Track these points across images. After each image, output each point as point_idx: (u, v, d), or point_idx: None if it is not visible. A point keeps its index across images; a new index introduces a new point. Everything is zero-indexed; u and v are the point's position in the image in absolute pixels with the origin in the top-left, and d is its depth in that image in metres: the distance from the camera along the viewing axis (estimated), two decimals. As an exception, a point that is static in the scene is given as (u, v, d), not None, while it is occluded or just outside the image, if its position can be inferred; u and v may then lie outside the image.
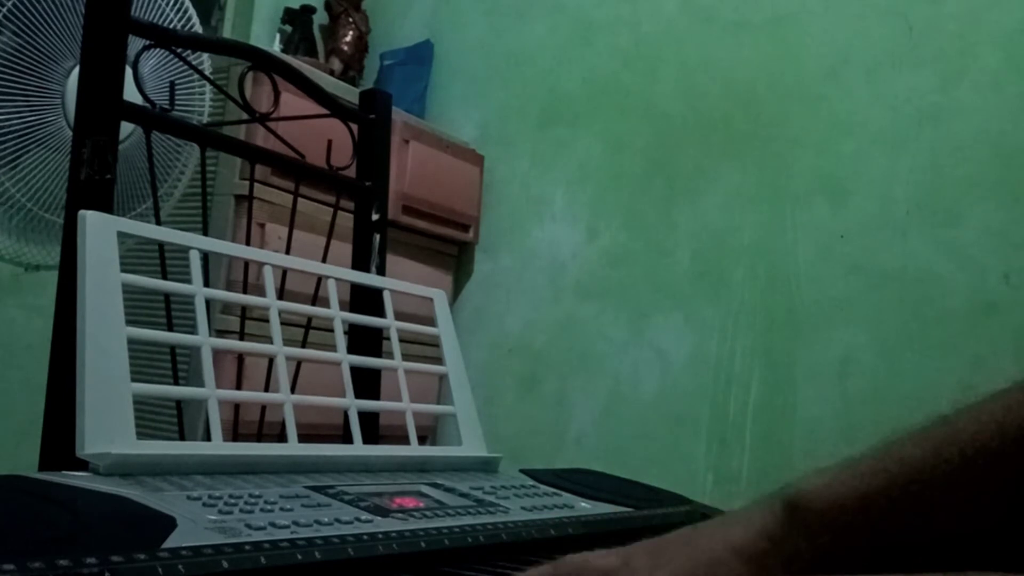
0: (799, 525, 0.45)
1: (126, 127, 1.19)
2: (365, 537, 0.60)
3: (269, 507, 0.62)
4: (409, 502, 0.71)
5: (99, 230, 0.75)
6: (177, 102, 1.12)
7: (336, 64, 2.47)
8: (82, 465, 0.65)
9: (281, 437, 0.83)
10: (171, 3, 1.42)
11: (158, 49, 1.10)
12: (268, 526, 0.57)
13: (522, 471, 0.95)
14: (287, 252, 1.11)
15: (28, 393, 1.11)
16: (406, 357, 0.97)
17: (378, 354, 1.09)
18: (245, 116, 1.10)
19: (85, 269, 0.72)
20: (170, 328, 0.92)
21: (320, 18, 2.53)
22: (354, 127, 1.19)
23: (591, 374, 2.24)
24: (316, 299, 1.02)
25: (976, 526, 0.43)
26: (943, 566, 0.43)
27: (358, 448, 0.86)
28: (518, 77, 2.47)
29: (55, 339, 0.81)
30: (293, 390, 0.89)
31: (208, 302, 0.81)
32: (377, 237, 1.17)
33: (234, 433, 1.04)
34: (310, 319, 1.11)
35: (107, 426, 0.67)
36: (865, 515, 0.44)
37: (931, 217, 1.90)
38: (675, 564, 0.48)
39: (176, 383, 1.00)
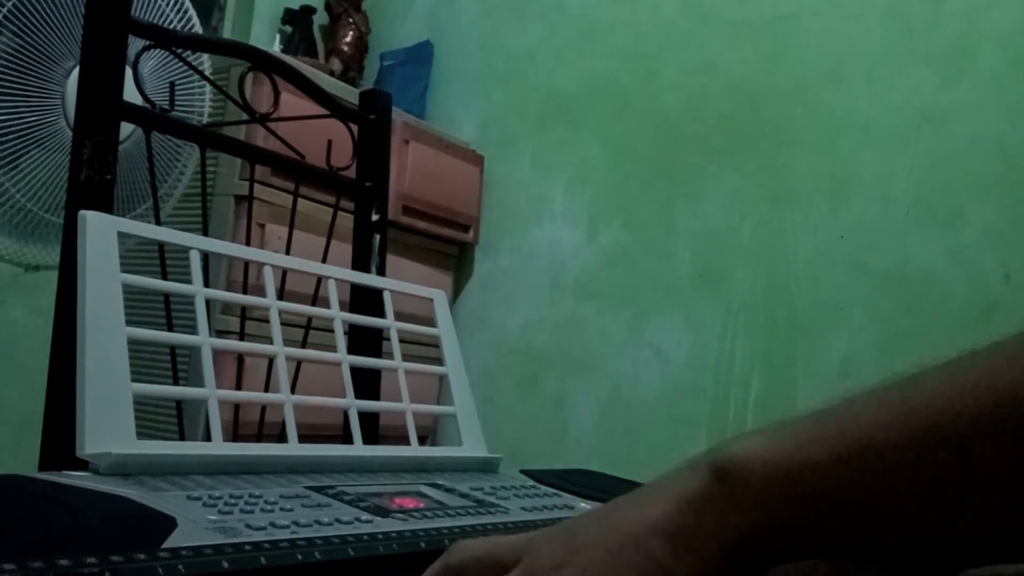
0: (729, 493, 0.38)
1: (126, 127, 1.18)
2: (365, 537, 0.60)
3: (269, 507, 0.62)
4: (409, 502, 0.71)
5: (99, 230, 0.75)
6: (177, 102, 1.12)
7: (336, 64, 2.47)
8: (82, 465, 0.65)
9: (281, 437, 0.83)
10: (171, 3, 1.43)
11: (158, 49, 1.10)
12: (268, 526, 0.57)
13: (522, 471, 0.95)
14: (287, 252, 1.11)
15: (28, 393, 1.11)
16: (406, 357, 0.97)
17: (378, 354, 1.09)
18: (245, 116, 1.10)
19: (85, 269, 0.72)
20: (170, 328, 0.92)
21: (320, 18, 2.53)
22: (354, 127, 1.19)
23: (591, 374, 2.24)
24: (316, 299, 1.02)
25: (948, 501, 0.35)
26: (901, 545, 0.37)
27: (358, 448, 0.86)
28: (518, 77, 2.47)
29: (55, 339, 0.81)
30: (293, 390, 0.89)
31: (208, 302, 0.81)
32: (377, 237, 1.17)
33: (234, 433, 1.04)
34: (310, 319, 1.11)
35: (107, 426, 0.67)
36: (811, 484, 0.37)
37: (931, 217, 1.90)
38: (585, 552, 0.41)
39: (176, 383, 1.00)
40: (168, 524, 0.54)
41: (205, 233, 0.99)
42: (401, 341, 0.98)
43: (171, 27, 1.40)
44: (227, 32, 2.40)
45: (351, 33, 2.51)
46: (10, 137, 1.32)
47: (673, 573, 0.39)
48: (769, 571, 0.39)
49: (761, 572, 0.39)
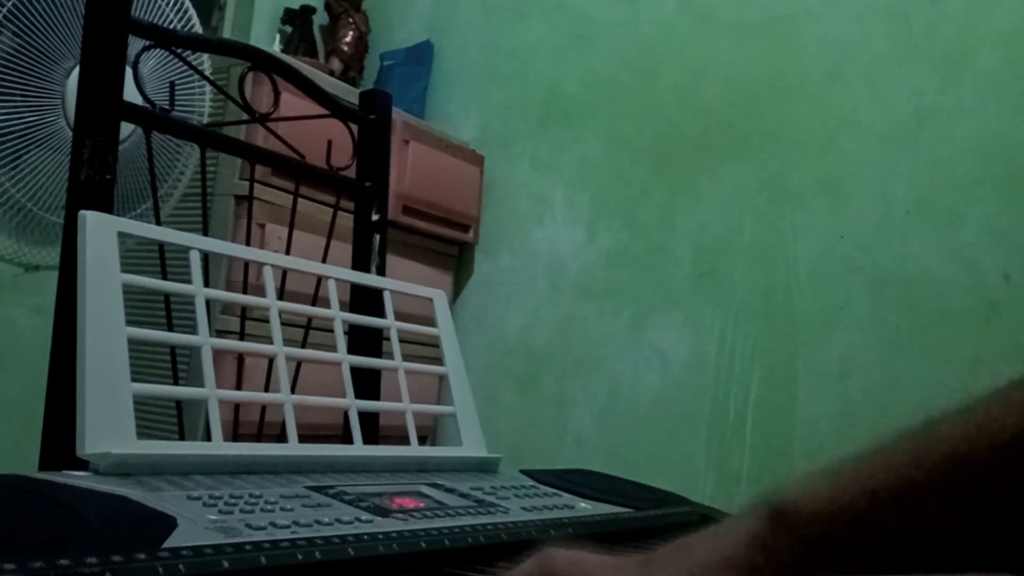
0: (788, 533, 0.46)
1: (126, 127, 1.18)
2: (365, 537, 0.60)
3: (269, 507, 0.62)
4: (409, 502, 0.71)
5: (99, 230, 0.75)
6: (177, 102, 1.12)
7: (336, 64, 2.47)
8: (82, 465, 0.65)
9: (281, 437, 0.83)
10: (171, 3, 1.43)
11: (158, 49, 1.10)
12: (268, 526, 0.57)
13: (522, 471, 0.95)
14: (287, 252, 1.11)
15: (28, 393, 1.11)
16: (406, 357, 0.97)
17: (378, 354, 1.09)
18: (245, 116, 1.10)
19: (85, 269, 0.72)
20: (170, 328, 0.92)
21: (320, 18, 2.53)
22: (354, 127, 1.19)
23: (591, 374, 2.24)
24: (316, 299, 1.02)
25: (967, 531, 0.43)
26: (934, 570, 0.43)
27: (358, 448, 0.86)
28: (518, 77, 2.47)
29: (55, 339, 0.81)
30: (293, 390, 0.89)
31: (208, 302, 0.81)
32: (377, 237, 1.17)
33: (234, 433, 1.04)
34: (310, 319, 1.11)
35: (107, 426, 0.67)
36: (853, 521, 0.44)
37: (931, 217, 1.90)
38: None
39: (176, 383, 1.00)
40: (168, 524, 0.54)
41: (205, 233, 0.99)
42: (401, 341, 0.98)
43: (171, 27, 1.40)
44: (227, 32, 2.40)
45: (351, 33, 2.51)
46: (10, 137, 1.32)
47: None
48: None
49: None
